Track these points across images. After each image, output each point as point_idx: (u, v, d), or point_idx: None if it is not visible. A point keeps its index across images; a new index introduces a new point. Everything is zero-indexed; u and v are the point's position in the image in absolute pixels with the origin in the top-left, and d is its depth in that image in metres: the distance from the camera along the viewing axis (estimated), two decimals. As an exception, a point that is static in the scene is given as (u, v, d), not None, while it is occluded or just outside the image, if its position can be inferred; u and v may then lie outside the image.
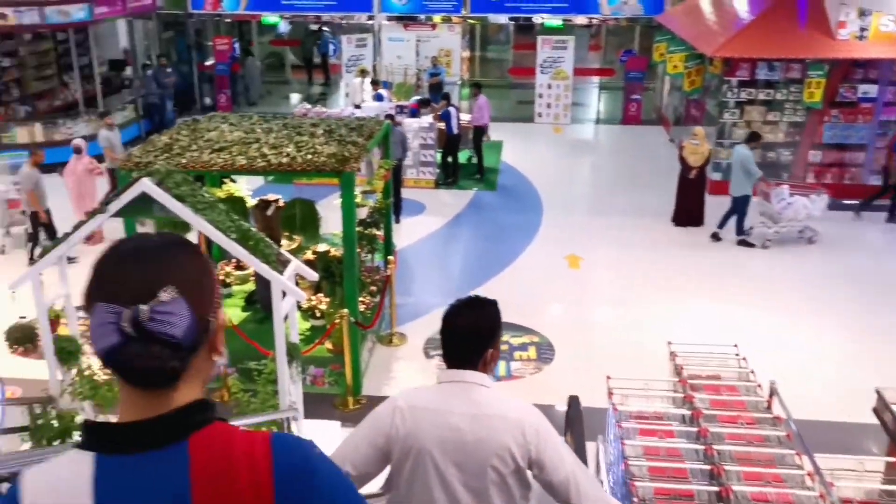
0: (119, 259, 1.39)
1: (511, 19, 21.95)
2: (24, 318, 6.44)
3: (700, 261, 12.12)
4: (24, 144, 15.87)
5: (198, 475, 1.36)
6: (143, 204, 6.28)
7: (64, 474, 1.37)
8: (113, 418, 1.49)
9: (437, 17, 20.98)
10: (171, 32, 22.27)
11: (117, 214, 6.39)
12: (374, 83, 17.74)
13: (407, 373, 8.98)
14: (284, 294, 6.36)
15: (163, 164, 6.19)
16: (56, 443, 6.35)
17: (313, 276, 6.69)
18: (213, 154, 7.92)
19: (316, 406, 8.26)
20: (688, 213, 13.35)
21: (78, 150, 12.11)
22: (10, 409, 7.01)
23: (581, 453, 4.88)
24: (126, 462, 1.36)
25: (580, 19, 21.24)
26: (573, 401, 5.88)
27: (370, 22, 21.19)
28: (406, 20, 21.07)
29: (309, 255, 9.46)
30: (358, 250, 9.84)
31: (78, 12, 15.88)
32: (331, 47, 24.65)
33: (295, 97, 23.78)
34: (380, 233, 10.25)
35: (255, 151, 7.94)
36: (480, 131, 16.15)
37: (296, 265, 6.45)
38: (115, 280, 1.35)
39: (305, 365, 8.48)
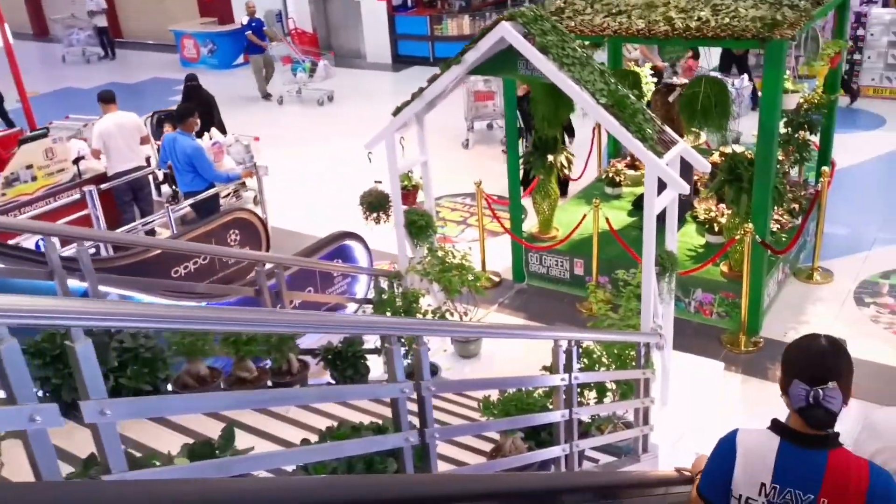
0: (811, 356, 2.28)
1: None
2: (379, 182, 5.95)
3: None
4: (453, 37, 16.25)
5: (829, 471, 2.28)
6: (508, 59, 5.24)
7: (764, 440, 2.38)
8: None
9: None
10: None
11: (480, 71, 5.45)
12: None
13: (826, 318, 6.88)
14: (664, 188, 4.89)
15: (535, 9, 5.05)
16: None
17: (704, 165, 5.06)
18: (608, 18, 6.56)
19: (699, 339, 6.74)
20: None
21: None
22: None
23: None
24: (794, 450, 2.33)
25: None
26: None
27: None
28: None
29: (715, 157, 7.71)
30: (781, 157, 7.80)
31: None
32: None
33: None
34: (814, 138, 8.00)
35: (659, 15, 6.38)
36: None
37: (682, 149, 4.90)
38: (807, 369, 2.25)
39: (691, 287, 6.93)
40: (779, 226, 7.12)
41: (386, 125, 5.54)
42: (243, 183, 9.37)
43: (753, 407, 5.93)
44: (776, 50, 5.79)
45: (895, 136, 10.90)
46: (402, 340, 2.93)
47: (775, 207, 7.28)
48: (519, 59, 5.13)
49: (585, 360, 4.51)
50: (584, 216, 7.25)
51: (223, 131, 10.38)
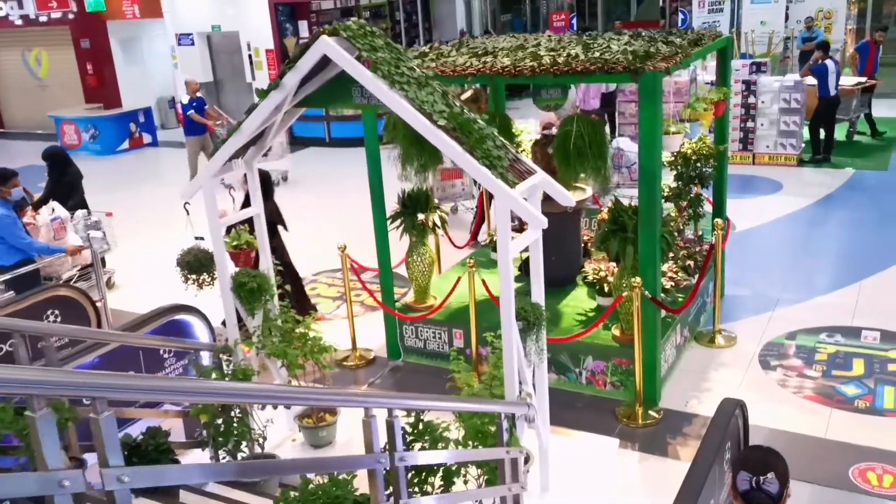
0: (754, 454, 2.80)
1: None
2: (201, 238, 5.03)
3: None
4: (349, 116, 15.75)
5: None
6: (341, 87, 4.49)
7: None
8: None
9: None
10: (509, 15, 21.34)
11: (312, 102, 4.68)
12: None
13: (730, 385, 6.14)
14: (521, 228, 4.13)
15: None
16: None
17: (568, 199, 4.33)
18: (473, 58, 5.96)
19: (592, 413, 5.92)
20: None
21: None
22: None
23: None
24: None
25: None
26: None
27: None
28: (774, -23, 17.45)
29: (604, 214, 7.09)
30: (674, 214, 7.25)
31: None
32: (680, 17, 21.74)
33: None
34: (706, 193, 7.49)
35: (527, 54, 5.82)
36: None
37: (540, 180, 4.16)
38: (750, 464, 2.70)
39: (581, 355, 6.14)
40: (673, 283, 6.45)
41: (200, 175, 4.68)
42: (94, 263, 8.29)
43: (652, 487, 5.06)
44: (650, 83, 5.23)
45: (793, 199, 10.62)
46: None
47: (669, 263, 6.66)
48: (353, 85, 4.38)
49: (427, 437, 3.58)
50: (459, 279, 6.45)
51: (85, 208, 9.31)
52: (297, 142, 16.74)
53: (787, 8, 17.38)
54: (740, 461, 2.77)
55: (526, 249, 4.35)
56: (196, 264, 4.88)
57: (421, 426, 3.58)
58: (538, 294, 4.39)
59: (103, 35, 18.06)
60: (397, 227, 6.75)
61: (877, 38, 13.91)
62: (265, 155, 13.35)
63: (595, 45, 5.82)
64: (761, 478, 2.65)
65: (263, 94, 4.31)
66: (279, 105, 4.43)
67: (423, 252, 6.86)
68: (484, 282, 6.29)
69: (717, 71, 7.08)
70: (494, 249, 7.78)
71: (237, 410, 4.73)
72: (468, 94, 7.83)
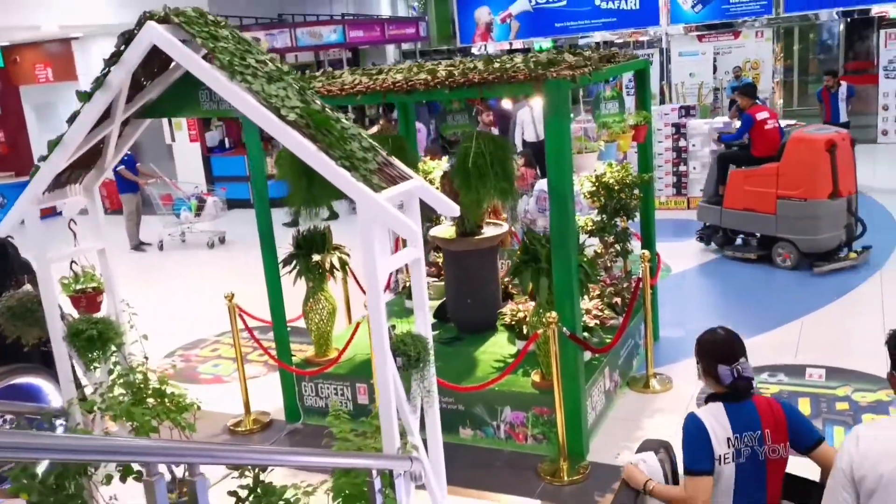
0: (722, 345, 3.13)
1: (844, 13, 17.19)
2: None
3: None
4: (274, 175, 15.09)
5: (760, 410, 3.03)
6: (187, 90, 3.83)
7: (714, 410, 3.07)
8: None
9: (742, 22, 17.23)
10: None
11: (156, 110, 4.00)
12: None
13: (666, 432, 5.37)
14: (400, 245, 3.46)
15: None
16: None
17: (452, 208, 3.66)
18: (364, 76, 5.38)
19: (512, 471, 5.17)
20: None
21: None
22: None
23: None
24: (734, 406, 3.04)
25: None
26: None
27: (656, 36, 18.07)
28: (702, 30, 17.63)
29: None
30: (600, 250, 6.66)
31: (330, 34, 14.89)
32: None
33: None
34: (634, 228, 6.94)
35: (423, 70, 5.26)
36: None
37: (415, 186, 3.50)
38: (724, 355, 3.06)
39: (498, 406, 5.41)
40: (598, 322, 5.80)
41: (21, 199, 3.93)
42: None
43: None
44: (554, 90, 4.68)
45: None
46: None
47: (595, 301, 6.02)
48: (200, 88, 3.74)
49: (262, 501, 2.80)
50: (357, 326, 5.72)
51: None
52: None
53: (715, 59, 17.48)
54: (711, 355, 3.09)
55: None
56: (20, 310, 4.06)
57: (259, 489, 2.80)
58: (423, 325, 3.68)
59: (16, 101, 17.25)
60: (290, 272, 6.02)
61: (827, 83, 12.93)
62: (198, 215, 12.76)
63: (497, 61, 5.30)
64: (738, 367, 3.02)
65: (85, 97, 3.61)
66: (111, 112, 3.73)
67: (321, 299, 6.11)
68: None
69: (636, 95, 6.63)
70: (409, 296, 7.09)
71: (71, 486, 3.88)
72: (374, 130, 7.24)
